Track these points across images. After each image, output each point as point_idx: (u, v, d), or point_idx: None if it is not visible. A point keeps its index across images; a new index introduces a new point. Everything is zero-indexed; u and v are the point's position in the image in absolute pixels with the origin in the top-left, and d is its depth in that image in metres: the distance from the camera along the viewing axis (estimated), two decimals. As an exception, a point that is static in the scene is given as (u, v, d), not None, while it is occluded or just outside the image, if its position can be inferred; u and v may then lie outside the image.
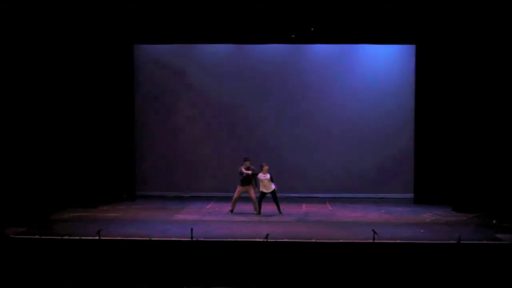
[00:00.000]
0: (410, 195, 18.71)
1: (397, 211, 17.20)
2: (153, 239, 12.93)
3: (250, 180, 16.30)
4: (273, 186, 16.12)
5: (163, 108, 19.67)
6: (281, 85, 19.50)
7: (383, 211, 17.29)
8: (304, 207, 17.35)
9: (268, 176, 16.12)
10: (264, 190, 16.11)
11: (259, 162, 19.25)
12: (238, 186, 16.44)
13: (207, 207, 16.73)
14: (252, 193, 16.38)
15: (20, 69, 15.93)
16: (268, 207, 17.33)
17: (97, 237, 12.51)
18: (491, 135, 16.49)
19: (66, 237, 13.01)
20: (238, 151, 19.46)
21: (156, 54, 19.53)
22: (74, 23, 16.93)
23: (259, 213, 16.19)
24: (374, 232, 12.38)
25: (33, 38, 16.10)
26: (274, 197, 16.23)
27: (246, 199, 18.61)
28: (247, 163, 16.39)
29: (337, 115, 19.44)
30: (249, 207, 17.52)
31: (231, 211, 16.29)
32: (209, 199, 18.69)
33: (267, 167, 16.12)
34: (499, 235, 13.69)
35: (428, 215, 16.52)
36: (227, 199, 17.09)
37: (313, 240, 12.90)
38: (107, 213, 16.58)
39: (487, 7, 16.10)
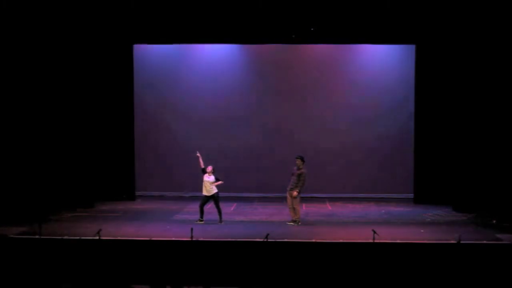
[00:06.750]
0: (410, 195, 18.70)
1: (397, 211, 17.20)
2: (153, 239, 12.94)
3: None
4: (215, 189, 15.22)
5: (163, 108, 19.66)
6: (281, 85, 19.48)
7: (383, 211, 17.29)
8: (304, 207, 17.33)
9: (212, 178, 15.31)
10: (206, 194, 15.23)
11: (260, 161, 19.38)
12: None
13: (207, 207, 16.63)
14: None
15: (20, 69, 15.93)
16: (268, 207, 17.39)
17: (97, 237, 12.51)
18: (491, 135, 16.48)
19: (66, 237, 13.02)
20: (238, 151, 19.49)
21: (156, 54, 19.51)
22: (74, 23, 16.91)
23: (201, 219, 15.11)
24: (374, 232, 12.38)
25: (33, 38, 16.09)
26: (216, 202, 15.30)
27: (244, 199, 18.67)
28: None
29: (337, 115, 19.42)
30: (248, 208, 17.59)
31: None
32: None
33: (211, 168, 15.32)
34: (499, 235, 13.70)
35: (428, 215, 16.53)
36: (227, 199, 17.08)
37: (313, 240, 12.91)
38: (107, 213, 16.59)
39: (486, 7, 16.10)
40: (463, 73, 16.93)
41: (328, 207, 17.95)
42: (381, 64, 19.32)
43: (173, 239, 13.02)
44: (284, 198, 15.46)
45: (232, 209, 17.28)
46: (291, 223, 15.10)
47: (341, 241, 12.90)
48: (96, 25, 17.32)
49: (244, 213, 16.81)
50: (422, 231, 14.27)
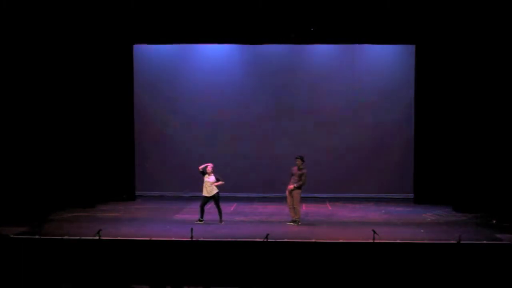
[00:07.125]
0: (410, 195, 18.70)
1: (397, 211, 17.20)
2: (153, 239, 12.93)
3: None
4: (215, 190, 15.17)
5: (163, 108, 19.66)
6: (281, 85, 19.48)
7: (383, 211, 17.29)
8: (304, 207, 17.31)
9: (212, 178, 15.26)
10: (206, 195, 15.21)
11: (260, 161, 19.36)
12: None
13: (207, 207, 16.69)
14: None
15: (20, 69, 15.91)
16: (268, 207, 17.38)
17: (97, 237, 12.51)
18: (491, 135, 16.48)
19: (66, 237, 13.02)
20: (238, 151, 19.48)
21: (156, 54, 19.51)
22: (74, 23, 16.91)
23: (201, 219, 15.06)
24: (374, 232, 12.37)
25: (33, 39, 16.08)
26: (216, 202, 15.30)
27: (244, 199, 18.67)
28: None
29: (337, 115, 19.42)
30: (248, 208, 17.57)
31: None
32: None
33: (211, 167, 15.29)
34: (499, 235, 13.70)
35: (428, 215, 16.52)
36: (227, 199, 17.08)
37: (313, 240, 12.90)
38: (107, 213, 16.58)
39: (486, 7, 16.10)
40: (463, 73, 16.93)
41: (328, 207, 17.95)
42: (381, 64, 19.31)
43: (173, 239, 13.01)
44: (284, 198, 15.45)
45: (232, 209, 17.28)
46: (291, 223, 15.10)
47: (341, 241, 12.89)
48: (96, 25, 17.32)
49: (244, 213, 16.81)
50: (422, 231, 14.27)
